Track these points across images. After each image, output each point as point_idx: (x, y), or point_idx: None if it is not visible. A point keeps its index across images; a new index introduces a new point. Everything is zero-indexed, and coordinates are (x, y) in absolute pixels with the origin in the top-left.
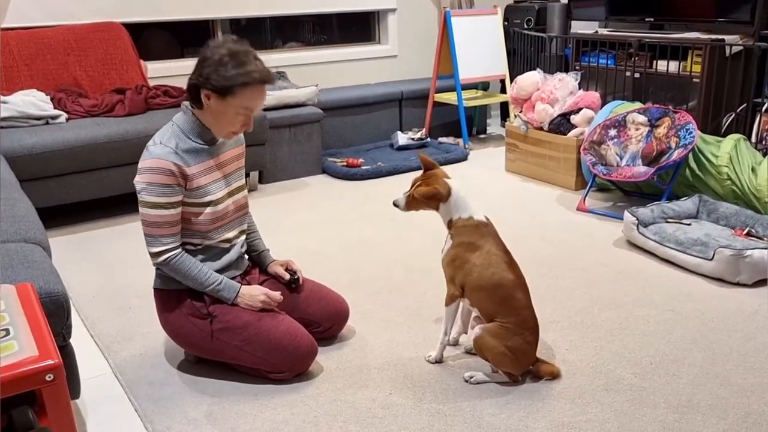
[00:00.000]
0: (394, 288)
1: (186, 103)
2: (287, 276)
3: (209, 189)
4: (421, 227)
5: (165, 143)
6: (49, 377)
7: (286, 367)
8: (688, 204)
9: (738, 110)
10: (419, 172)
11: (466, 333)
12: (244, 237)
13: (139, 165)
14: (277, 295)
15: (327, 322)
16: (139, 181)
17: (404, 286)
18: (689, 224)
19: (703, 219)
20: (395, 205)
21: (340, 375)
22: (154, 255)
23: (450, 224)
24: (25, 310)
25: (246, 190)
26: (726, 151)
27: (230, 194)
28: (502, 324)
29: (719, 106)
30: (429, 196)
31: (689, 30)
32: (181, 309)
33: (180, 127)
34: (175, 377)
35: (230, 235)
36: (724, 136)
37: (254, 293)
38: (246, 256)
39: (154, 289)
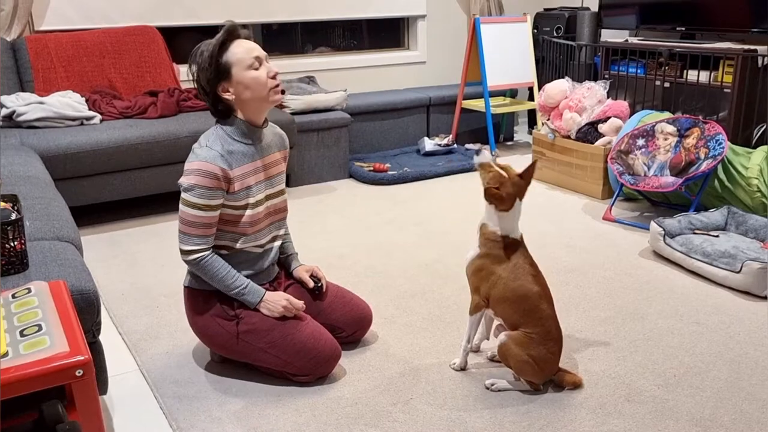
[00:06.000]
0: (418, 293)
1: None
2: (311, 283)
3: (251, 191)
4: (446, 232)
5: (210, 146)
6: (79, 373)
7: (309, 370)
8: (716, 215)
9: None
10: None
11: (488, 339)
12: (278, 243)
13: (186, 167)
14: (299, 303)
15: (350, 327)
16: (184, 181)
17: (428, 291)
18: (717, 236)
19: (731, 231)
20: (477, 154)
21: (362, 379)
22: (184, 252)
23: (483, 228)
24: (57, 306)
25: (286, 194)
26: (756, 163)
27: (270, 197)
28: (527, 333)
29: (750, 117)
30: (491, 196)
31: (721, 40)
32: (209, 309)
33: (224, 129)
34: (200, 376)
35: (264, 240)
36: (754, 147)
37: (277, 299)
38: (276, 266)
39: (185, 287)
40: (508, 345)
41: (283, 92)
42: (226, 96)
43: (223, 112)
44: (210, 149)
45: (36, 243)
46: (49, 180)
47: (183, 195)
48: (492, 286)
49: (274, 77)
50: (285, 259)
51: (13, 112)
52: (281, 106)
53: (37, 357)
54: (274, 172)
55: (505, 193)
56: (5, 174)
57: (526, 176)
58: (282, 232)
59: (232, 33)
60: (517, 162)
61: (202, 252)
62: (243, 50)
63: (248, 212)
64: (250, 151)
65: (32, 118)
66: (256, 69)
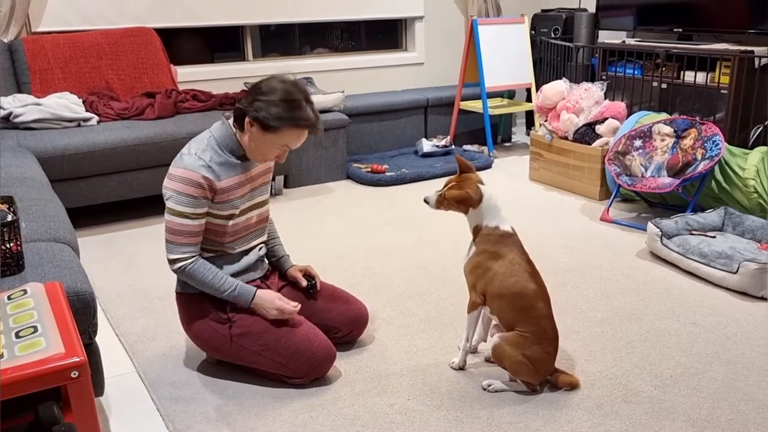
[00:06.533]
0: (415, 294)
1: (227, 113)
2: (305, 282)
3: (235, 203)
4: (444, 233)
5: (199, 155)
6: (75, 374)
7: (303, 372)
8: (713, 216)
9: (766, 122)
10: (443, 180)
11: (485, 341)
12: (262, 241)
13: (170, 170)
14: (290, 307)
15: (346, 327)
16: (168, 188)
17: (425, 292)
18: (714, 237)
19: (728, 232)
20: (426, 201)
21: (358, 380)
22: (171, 261)
23: (476, 230)
24: (53, 308)
25: (269, 204)
26: (753, 164)
27: (254, 207)
28: (521, 333)
29: (747, 118)
30: (460, 200)
31: (718, 41)
32: (202, 313)
33: (217, 139)
34: (196, 378)
35: (248, 246)
36: (751, 148)
37: (269, 299)
38: (266, 260)
39: (177, 293)
40: (501, 346)
41: (265, 161)
42: (246, 123)
43: (237, 117)
44: (198, 158)
45: (32, 244)
46: (46, 181)
47: (168, 204)
48: (488, 282)
49: (274, 158)
50: (277, 261)
51: (10, 113)
52: None
53: (32, 359)
54: (258, 183)
55: (469, 189)
56: (2, 176)
57: (462, 166)
58: (265, 237)
59: (312, 127)
60: (515, 162)
61: (188, 260)
62: (291, 140)
63: (231, 223)
64: (237, 164)
65: (29, 119)
66: (277, 149)
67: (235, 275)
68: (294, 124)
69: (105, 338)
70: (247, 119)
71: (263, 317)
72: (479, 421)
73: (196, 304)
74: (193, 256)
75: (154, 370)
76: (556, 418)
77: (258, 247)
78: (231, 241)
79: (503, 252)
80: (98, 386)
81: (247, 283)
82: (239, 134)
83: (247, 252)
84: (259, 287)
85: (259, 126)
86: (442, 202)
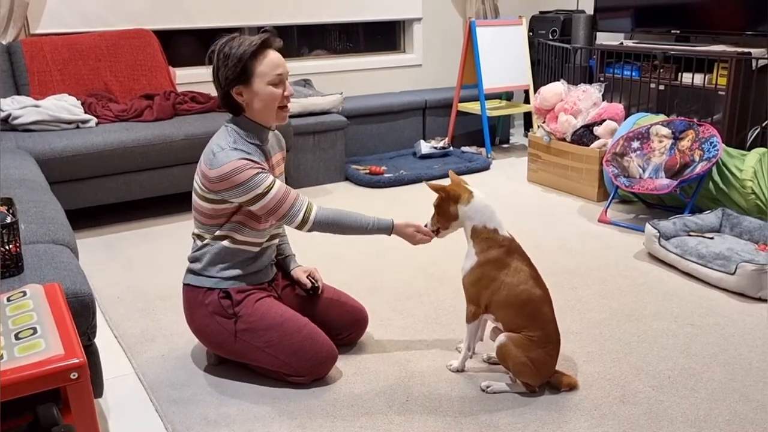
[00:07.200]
0: (414, 296)
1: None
2: (309, 284)
3: None
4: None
5: (232, 146)
6: (74, 376)
7: (305, 371)
8: (711, 217)
9: (764, 124)
10: (441, 181)
11: (482, 340)
12: (276, 242)
13: (213, 174)
14: (426, 228)
15: (346, 329)
16: (231, 188)
17: (424, 294)
18: (712, 238)
19: (726, 233)
20: (425, 226)
21: (357, 381)
22: (302, 224)
23: (474, 234)
24: (52, 309)
25: None
26: (750, 165)
27: None
28: (528, 336)
29: (745, 120)
30: (440, 190)
31: (716, 42)
32: (208, 307)
33: (236, 130)
34: (195, 379)
35: (263, 239)
36: (749, 149)
37: (405, 224)
38: (274, 266)
39: (184, 284)
40: (507, 346)
41: (283, 109)
42: (238, 99)
43: (233, 108)
44: (232, 149)
45: (31, 246)
46: (45, 183)
47: (248, 196)
48: (494, 292)
49: (287, 97)
50: (283, 260)
51: (9, 115)
52: None
53: (32, 360)
54: (277, 172)
55: (454, 186)
56: (1, 177)
57: (452, 179)
58: (280, 231)
59: (267, 42)
60: (513, 164)
61: (311, 208)
62: (271, 64)
63: None
64: (261, 152)
65: (28, 121)
66: (275, 85)
67: (246, 276)
68: (253, 53)
69: (104, 340)
70: (233, 93)
71: (408, 242)
72: (477, 423)
73: (203, 297)
74: (310, 203)
75: (153, 371)
76: (555, 419)
77: (271, 250)
78: (255, 228)
79: (507, 260)
80: (97, 388)
81: (254, 286)
82: (248, 114)
83: (258, 255)
84: (265, 290)
85: (240, 85)
86: (434, 216)
